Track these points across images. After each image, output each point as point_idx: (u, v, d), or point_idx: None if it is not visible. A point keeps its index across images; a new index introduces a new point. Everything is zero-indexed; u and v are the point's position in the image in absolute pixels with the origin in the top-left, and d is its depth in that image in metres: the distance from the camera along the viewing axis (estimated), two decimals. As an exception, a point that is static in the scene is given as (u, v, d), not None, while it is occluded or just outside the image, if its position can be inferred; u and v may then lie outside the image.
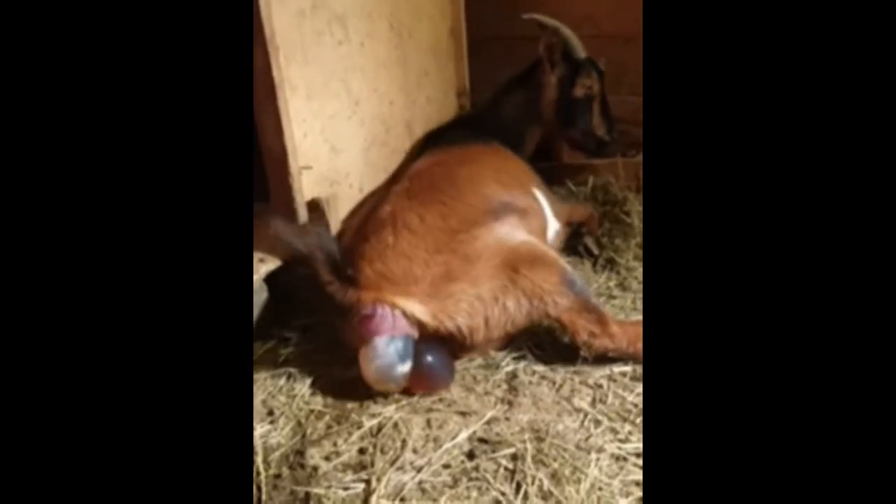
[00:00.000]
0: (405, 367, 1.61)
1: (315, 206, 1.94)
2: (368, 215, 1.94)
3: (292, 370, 1.82)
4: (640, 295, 2.12)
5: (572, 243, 2.43)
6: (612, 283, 2.23)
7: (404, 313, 1.65)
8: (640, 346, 1.69)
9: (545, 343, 1.85)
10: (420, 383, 1.67)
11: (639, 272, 2.25)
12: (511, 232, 1.86)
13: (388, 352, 1.60)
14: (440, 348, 1.70)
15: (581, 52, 2.52)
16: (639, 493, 1.31)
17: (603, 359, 1.73)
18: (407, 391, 1.68)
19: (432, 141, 2.47)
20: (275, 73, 1.74)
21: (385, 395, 1.68)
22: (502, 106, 2.62)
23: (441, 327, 1.68)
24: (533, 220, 2.05)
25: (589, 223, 2.45)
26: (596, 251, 2.38)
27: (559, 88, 2.54)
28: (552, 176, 2.70)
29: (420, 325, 1.67)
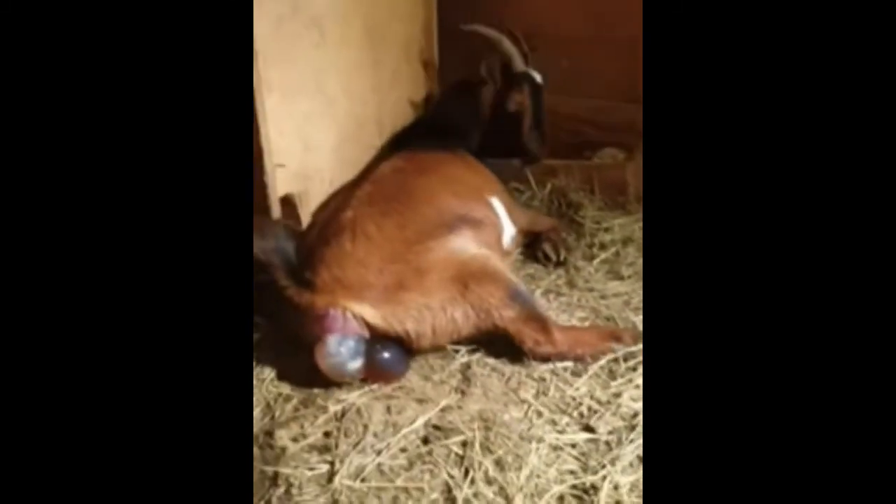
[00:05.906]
0: (356, 364, 1.74)
1: (287, 202, 2.05)
2: (331, 216, 2.03)
3: (261, 355, 1.94)
4: (586, 293, 2.29)
5: (532, 248, 2.53)
6: (560, 282, 2.40)
7: (355, 316, 1.78)
8: (579, 350, 1.87)
9: (497, 339, 2.01)
10: (376, 377, 1.81)
11: (586, 271, 2.42)
12: (463, 245, 1.99)
13: (339, 350, 1.73)
14: (394, 345, 1.83)
15: (519, 65, 2.68)
16: (572, 481, 1.49)
17: (546, 360, 1.90)
18: (365, 381, 1.82)
19: (398, 145, 2.58)
20: (253, 74, 1.84)
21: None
22: (450, 110, 2.78)
23: (390, 330, 1.81)
24: (487, 230, 2.18)
25: (552, 234, 2.54)
26: (554, 257, 2.46)
27: (496, 100, 2.73)
28: (511, 176, 2.85)
29: (370, 327, 1.80)
